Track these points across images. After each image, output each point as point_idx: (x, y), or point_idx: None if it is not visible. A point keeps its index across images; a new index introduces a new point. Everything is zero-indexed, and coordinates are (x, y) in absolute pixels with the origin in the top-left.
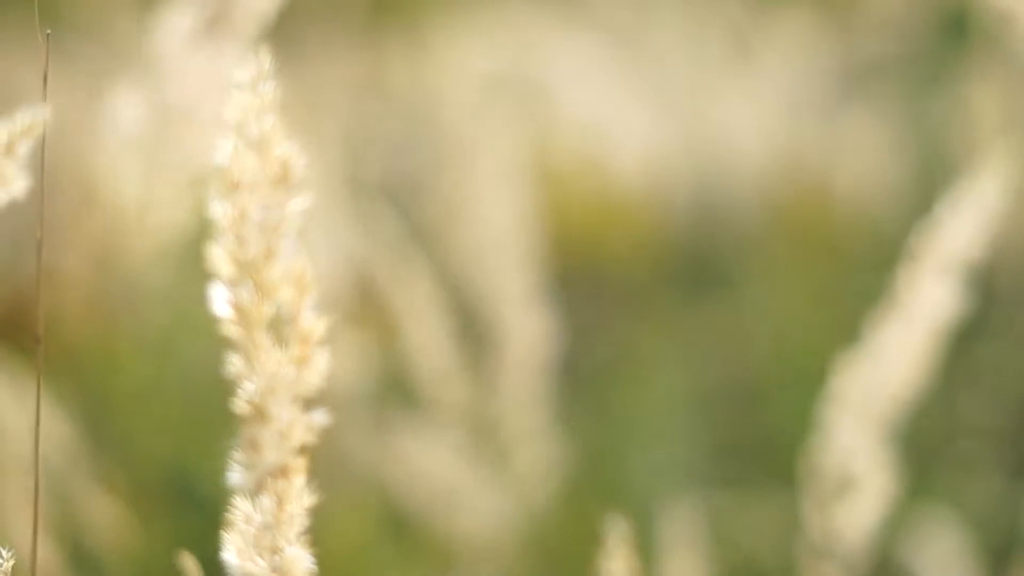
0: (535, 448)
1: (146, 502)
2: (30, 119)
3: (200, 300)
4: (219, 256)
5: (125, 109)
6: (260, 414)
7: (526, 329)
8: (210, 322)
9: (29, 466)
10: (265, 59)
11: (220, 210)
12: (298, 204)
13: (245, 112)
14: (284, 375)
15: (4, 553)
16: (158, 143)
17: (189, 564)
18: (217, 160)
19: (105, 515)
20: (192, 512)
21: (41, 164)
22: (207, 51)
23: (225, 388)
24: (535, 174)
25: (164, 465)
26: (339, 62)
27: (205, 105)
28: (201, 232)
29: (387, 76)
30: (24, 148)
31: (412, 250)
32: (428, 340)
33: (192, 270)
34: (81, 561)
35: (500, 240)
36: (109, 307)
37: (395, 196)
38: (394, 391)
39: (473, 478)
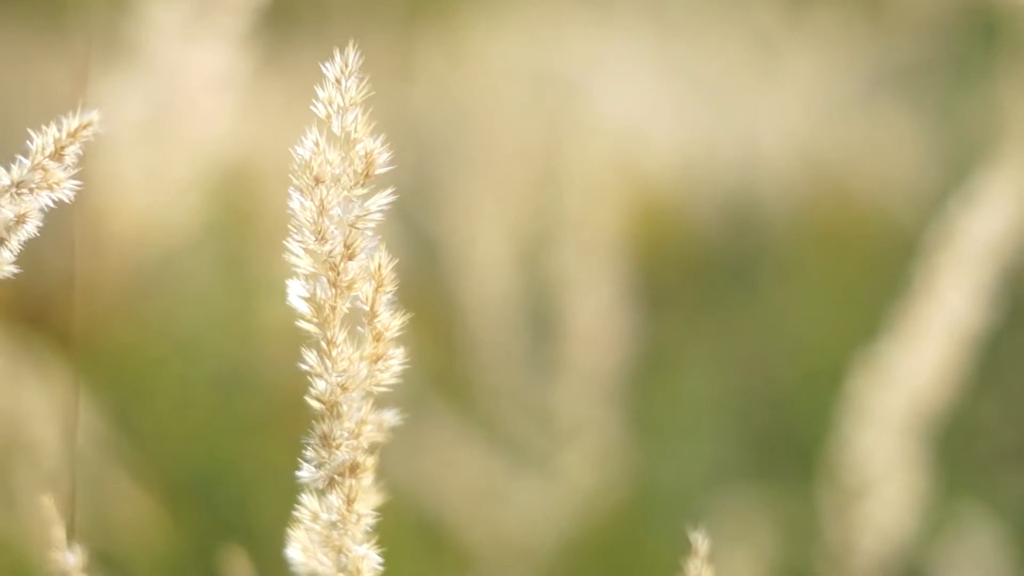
0: (594, 443)
1: (176, 501)
2: (77, 123)
3: (230, 299)
4: (296, 250)
5: (122, 104)
6: (332, 411)
7: (595, 321)
8: (240, 321)
9: (61, 465)
10: (350, 54)
11: (299, 205)
12: (379, 200)
13: (328, 108)
14: (357, 372)
15: (78, 550)
16: (158, 138)
17: (241, 563)
18: (300, 155)
19: (135, 513)
20: (221, 510)
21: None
22: (198, 45)
23: (253, 388)
24: (565, 172)
25: (194, 464)
26: (374, 57)
27: (200, 99)
28: (210, 229)
29: (422, 72)
30: (72, 152)
31: (457, 242)
32: (486, 331)
33: (218, 268)
34: (111, 560)
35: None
36: (136, 306)
37: (428, 193)
38: (442, 385)
39: (515, 478)
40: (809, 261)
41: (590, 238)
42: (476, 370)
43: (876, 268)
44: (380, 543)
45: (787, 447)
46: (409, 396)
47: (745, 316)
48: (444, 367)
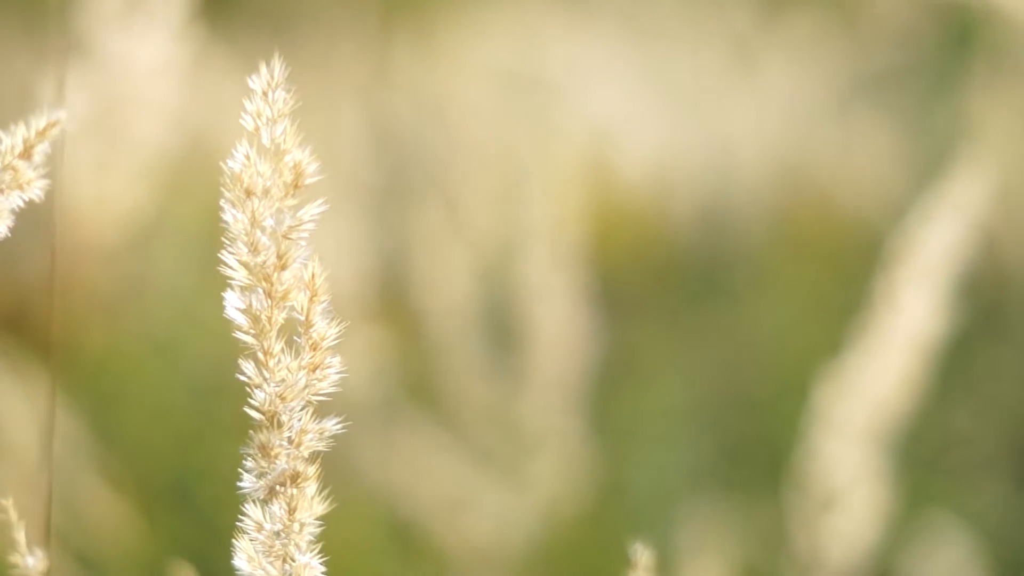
0: (560, 450)
1: (154, 503)
2: (45, 122)
3: (206, 300)
4: (231, 263)
5: (70, 95)
6: (271, 421)
7: (559, 329)
8: (217, 323)
9: (38, 468)
10: (276, 66)
11: (232, 217)
12: (310, 211)
13: (257, 120)
14: (295, 382)
15: (39, 553)
16: (103, 130)
17: (187, 573)
18: (230, 167)
19: (113, 516)
20: (198, 514)
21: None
22: (137, 34)
23: (231, 390)
24: (540, 175)
25: (171, 467)
26: (349, 59)
27: (143, 90)
28: (161, 221)
29: (397, 73)
30: (41, 151)
31: (425, 249)
32: (453, 338)
33: (180, 261)
34: (86, 562)
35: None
36: (111, 309)
37: (405, 195)
38: (412, 392)
39: (484, 484)
40: (783, 268)
41: (557, 244)
42: (444, 377)
43: (850, 275)
44: (353, 547)
45: (758, 455)
46: (382, 403)
47: (719, 323)
48: (418, 373)
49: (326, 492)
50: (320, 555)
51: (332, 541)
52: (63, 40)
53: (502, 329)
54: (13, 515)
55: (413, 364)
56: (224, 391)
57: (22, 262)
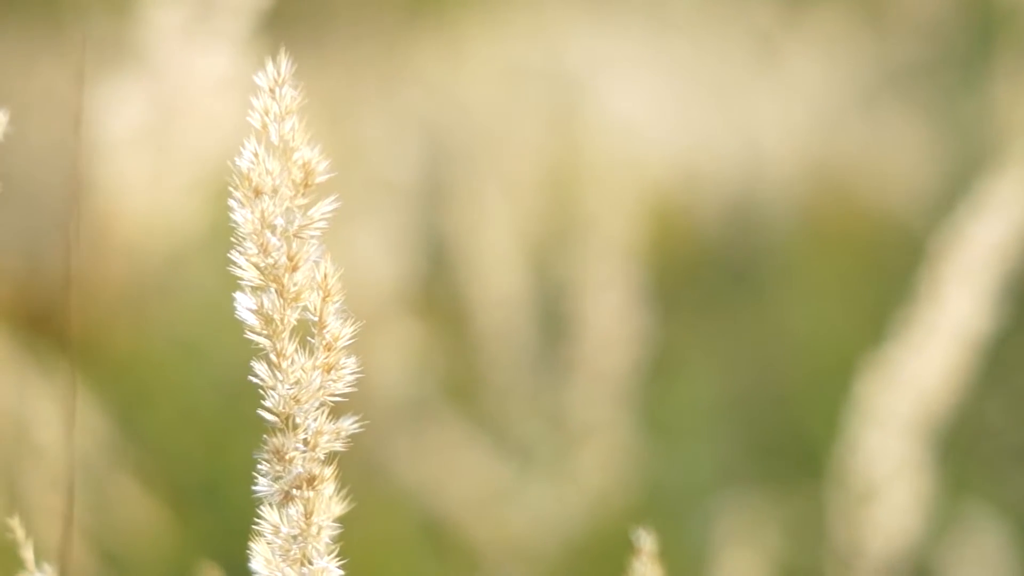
0: (606, 444)
1: (183, 504)
2: None
3: (230, 302)
4: (242, 263)
5: (124, 107)
6: (286, 423)
7: (605, 325)
8: (241, 324)
9: (63, 466)
10: (282, 62)
11: (242, 217)
12: (321, 209)
13: (265, 117)
14: (310, 383)
15: (48, 569)
16: (161, 141)
17: (215, 573)
18: (238, 166)
19: (142, 516)
20: (225, 513)
21: (74, 170)
22: (200, 47)
23: (256, 390)
24: (565, 172)
25: (200, 467)
26: (373, 56)
27: (204, 102)
28: (214, 232)
29: (423, 73)
30: None
31: (470, 243)
32: (499, 332)
33: (223, 271)
34: (113, 561)
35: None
36: (140, 309)
37: (436, 193)
38: (455, 389)
39: (525, 480)
40: (812, 262)
41: (601, 239)
42: (486, 371)
43: (879, 269)
44: (389, 545)
45: (793, 449)
46: (418, 399)
47: (749, 317)
48: (453, 369)
49: (345, 492)
50: (349, 555)
51: (368, 539)
52: (80, 39)
53: (547, 323)
54: (21, 534)
55: (455, 361)
56: (252, 391)
57: (53, 263)
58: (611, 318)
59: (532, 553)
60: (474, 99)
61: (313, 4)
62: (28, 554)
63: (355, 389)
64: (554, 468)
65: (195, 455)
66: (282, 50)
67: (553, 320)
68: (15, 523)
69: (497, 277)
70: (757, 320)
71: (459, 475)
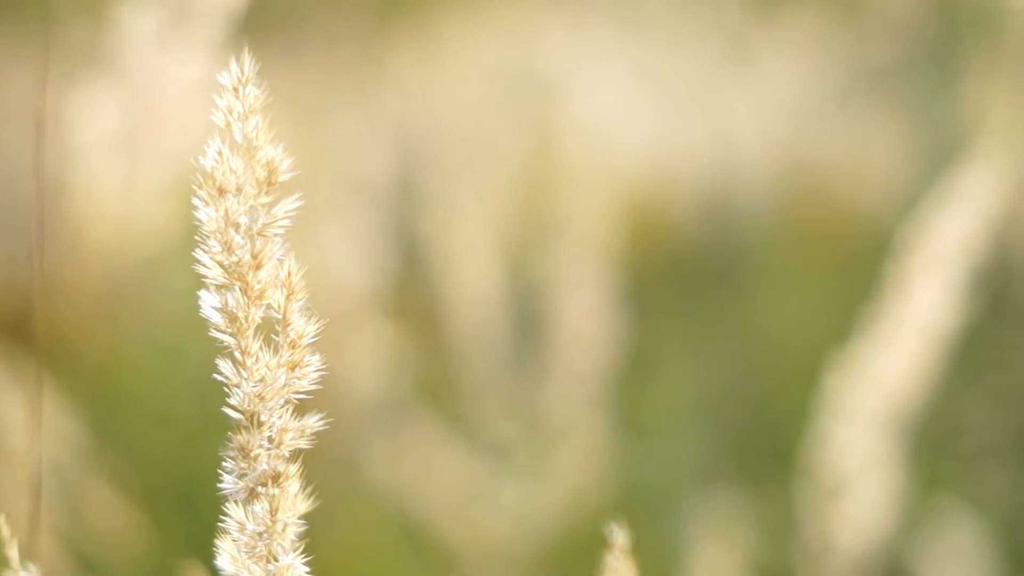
0: (582, 444)
1: (159, 507)
2: None
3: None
4: (206, 261)
5: (98, 112)
6: (251, 420)
7: (583, 323)
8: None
9: (41, 473)
10: (246, 62)
11: (206, 215)
12: (285, 207)
13: (228, 116)
14: (274, 380)
15: (32, 568)
16: (134, 146)
17: (197, 572)
18: (202, 164)
19: (118, 520)
20: (200, 515)
21: (39, 172)
22: (175, 51)
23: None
24: (539, 171)
25: (176, 471)
26: (348, 59)
27: (178, 106)
28: (188, 236)
29: (396, 74)
30: None
31: (446, 243)
32: (475, 332)
33: (195, 274)
34: (87, 563)
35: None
36: (115, 312)
37: (411, 194)
38: (428, 389)
39: (501, 479)
40: (788, 261)
41: (576, 239)
42: (461, 371)
43: (855, 266)
44: (364, 546)
45: (769, 447)
46: (393, 399)
47: (725, 316)
48: (428, 369)
49: (311, 489)
50: (324, 556)
51: (344, 540)
52: (43, 44)
53: (522, 323)
54: (6, 532)
55: (430, 361)
56: (226, 393)
57: (28, 269)
58: (586, 318)
59: (508, 553)
60: (449, 100)
61: (287, 8)
62: (13, 552)
63: (320, 387)
64: (530, 468)
65: (170, 458)
66: (245, 49)
67: (528, 320)
68: (0, 521)
69: (472, 277)
70: (732, 319)
71: (435, 475)
